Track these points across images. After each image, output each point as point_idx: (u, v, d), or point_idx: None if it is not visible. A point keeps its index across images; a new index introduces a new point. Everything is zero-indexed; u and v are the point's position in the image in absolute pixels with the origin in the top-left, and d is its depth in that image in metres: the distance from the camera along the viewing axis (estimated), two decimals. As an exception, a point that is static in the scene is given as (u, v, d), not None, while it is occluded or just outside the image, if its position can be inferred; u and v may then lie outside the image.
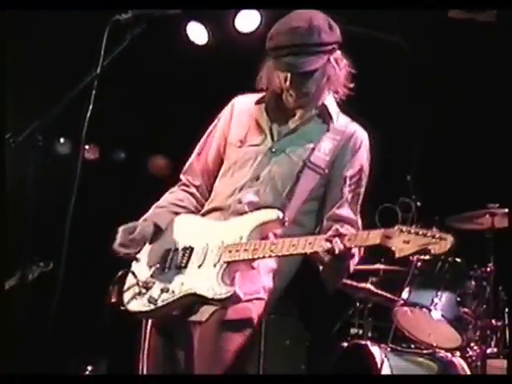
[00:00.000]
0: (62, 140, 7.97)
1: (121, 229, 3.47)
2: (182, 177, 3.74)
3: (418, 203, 3.75)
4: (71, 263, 3.23)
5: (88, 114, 3.02)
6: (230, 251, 3.27)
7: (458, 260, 5.56)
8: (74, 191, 3.04)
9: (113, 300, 3.64)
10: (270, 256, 3.24)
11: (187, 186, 3.70)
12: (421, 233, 2.93)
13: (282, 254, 3.21)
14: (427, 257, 5.54)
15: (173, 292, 3.32)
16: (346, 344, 5.84)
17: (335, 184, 3.43)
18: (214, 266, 3.28)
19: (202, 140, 3.72)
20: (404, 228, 2.97)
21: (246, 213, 3.38)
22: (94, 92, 3.01)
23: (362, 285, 6.22)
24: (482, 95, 6.69)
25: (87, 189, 3.82)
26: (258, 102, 3.58)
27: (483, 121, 6.78)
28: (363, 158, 3.48)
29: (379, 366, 5.28)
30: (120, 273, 3.51)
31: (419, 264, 5.61)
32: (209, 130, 3.71)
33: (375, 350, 5.47)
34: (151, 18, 3.08)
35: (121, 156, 8.63)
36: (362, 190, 3.49)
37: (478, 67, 6.60)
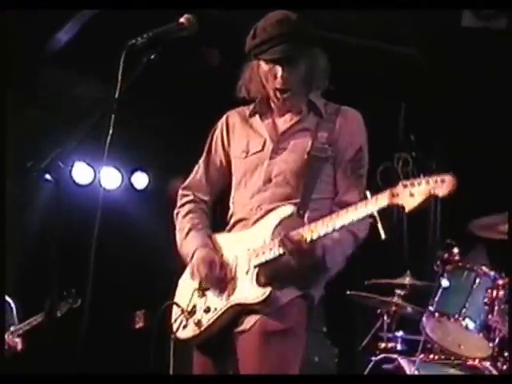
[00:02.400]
0: (82, 167, 7.99)
1: (205, 269, 3.49)
2: (187, 192, 3.79)
3: (414, 153, 3.74)
4: (96, 295, 3.22)
5: (108, 139, 3.01)
6: (257, 255, 3.39)
7: (485, 269, 5.52)
8: (97, 220, 3.02)
9: (139, 325, 3.74)
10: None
11: (197, 203, 3.77)
12: (423, 182, 3.01)
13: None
14: (457, 258, 5.53)
15: (215, 309, 3.46)
16: (375, 358, 5.80)
17: (339, 169, 3.53)
18: (247, 273, 3.40)
19: (204, 156, 3.80)
20: (407, 182, 3.04)
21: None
22: (113, 116, 3.01)
23: (389, 299, 6.20)
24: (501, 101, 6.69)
25: (110, 216, 3.84)
26: (251, 113, 3.68)
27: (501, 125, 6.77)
28: (361, 137, 3.60)
29: (410, 379, 5.25)
30: (164, 305, 3.60)
31: (446, 275, 5.57)
32: (208, 146, 3.80)
33: (405, 363, 5.44)
34: (167, 41, 3.10)
35: (143, 181, 8.63)
36: (365, 170, 3.59)
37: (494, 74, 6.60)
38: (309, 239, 3.26)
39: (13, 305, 6.38)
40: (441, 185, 2.96)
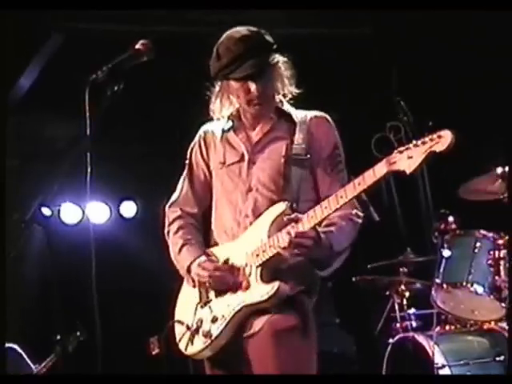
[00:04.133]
0: (69, 207, 7.97)
1: (207, 272, 3.54)
2: (174, 209, 3.82)
3: (406, 118, 3.76)
4: (106, 329, 3.21)
5: (88, 177, 3.01)
6: (257, 255, 3.43)
7: (483, 231, 5.53)
8: (92, 256, 3.02)
9: (155, 352, 3.74)
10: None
11: (184, 218, 3.79)
12: (419, 143, 3.05)
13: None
14: (453, 227, 5.54)
15: (223, 317, 3.47)
16: (392, 340, 5.80)
17: (318, 168, 3.58)
18: (250, 275, 3.44)
19: (186, 171, 3.84)
20: (402, 148, 3.10)
21: None
22: (88, 154, 3.01)
23: (395, 278, 6.21)
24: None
25: (104, 249, 3.85)
26: (225, 128, 3.72)
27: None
28: (333, 135, 3.65)
29: (431, 354, 5.25)
30: (167, 326, 3.61)
31: (445, 245, 5.58)
32: (189, 161, 3.84)
33: (423, 339, 5.44)
34: (126, 70, 3.10)
35: (131, 209, 8.60)
36: (343, 165, 3.64)
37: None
38: (310, 226, 3.30)
39: (20, 350, 6.34)
40: (438, 140, 3.01)
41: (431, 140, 3.02)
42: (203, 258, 3.59)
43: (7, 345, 5.75)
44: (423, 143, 3.03)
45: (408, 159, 3.05)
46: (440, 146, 3.00)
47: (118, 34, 5.89)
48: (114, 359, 4.74)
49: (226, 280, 3.50)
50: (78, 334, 6.50)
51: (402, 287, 6.21)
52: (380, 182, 3.17)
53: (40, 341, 6.43)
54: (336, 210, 3.29)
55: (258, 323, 3.42)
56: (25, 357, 6.21)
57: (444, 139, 2.99)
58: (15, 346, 6.15)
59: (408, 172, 3.07)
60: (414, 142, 3.06)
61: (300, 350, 3.40)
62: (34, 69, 6.87)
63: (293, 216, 3.34)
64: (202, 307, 3.57)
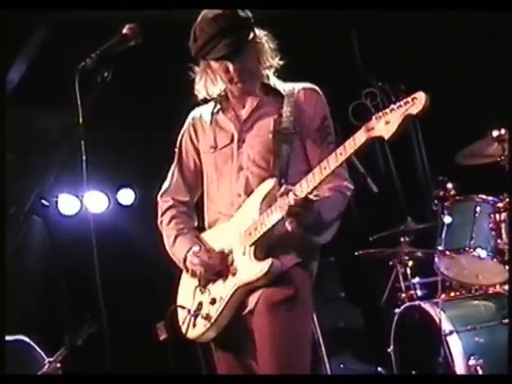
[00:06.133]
0: (66, 198, 7.94)
1: (202, 261, 3.54)
2: (165, 198, 3.83)
3: (380, 83, 3.76)
4: (113, 317, 3.20)
5: (84, 167, 2.99)
6: (249, 234, 3.44)
7: (483, 196, 5.52)
8: (93, 246, 3.00)
9: (162, 337, 3.77)
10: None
11: (176, 207, 3.80)
12: (395, 107, 3.05)
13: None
14: (453, 193, 5.54)
15: (221, 298, 3.49)
16: (399, 310, 5.81)
17: (308, 140, 3.57)
18: (244, 254, 3.45)
19: (176, 159, 3.84)
20: (379, 114, 3.09)
21: None
22: (83, 142, 2.99)
23: (397, 249, 6.21)
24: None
25: (105, 238, 3.83)
26: (214, 110, 3.72)
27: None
28: (322, 107, 3.63)
29: (438, 321, 5.26)
30: (168, 311, 3.62)
31: (446, 211, 5.57)
32: (178, 148, 3.84)
33: (429, 307, 5.45)
34: (115, 55, 3.08)
35: (129, 197, 8.58)
36: (333, 137, 3.60)
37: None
38: (301, 196, 3.27)
39: (29, 341, 6.33)
40: (413, 103, 3.00)
41: (406, 103, 3.01)
42: (197, 247, 3.60)
43: (16, 337, 5.78)
44: (399, 107, 3.03)
45: (386, 125, 3.05)
46: (415, 108, 2.99)
47: (105, 20, 5.83)
48: (120, 347, 4.73)
49: (218, 272, 3.51)
50: (87, 327, 6.50)
51: (405, 257, 6.22)
52: (361, 149, 3.15)
53: (47, 332, 6.43)
54: (322, 181, 3.27)
55: (253, 299, 3.44)
56: (35, 347, 6.21)
57: (418, 101, 2.99)
58: (24, 338, 6.16)
59: (386, 138, 3.06)
60: (391, 106, 3.06)
61: (294, 321, 3.40)
62: (23, 61, 6.84)
63: (283, 190, 3.31)
64: (200, 290, 3.58)
